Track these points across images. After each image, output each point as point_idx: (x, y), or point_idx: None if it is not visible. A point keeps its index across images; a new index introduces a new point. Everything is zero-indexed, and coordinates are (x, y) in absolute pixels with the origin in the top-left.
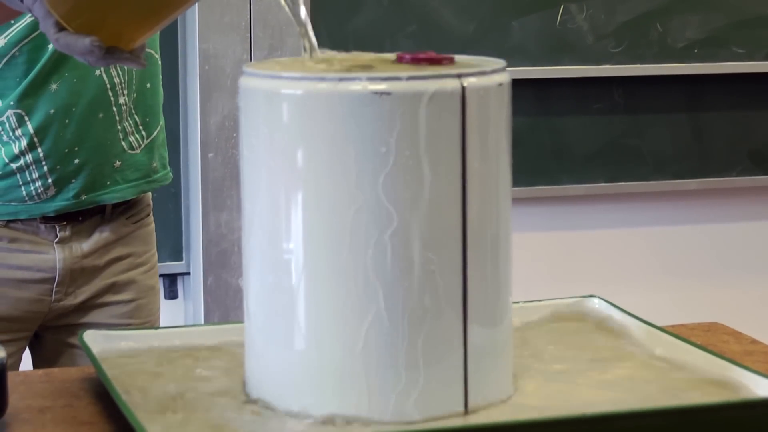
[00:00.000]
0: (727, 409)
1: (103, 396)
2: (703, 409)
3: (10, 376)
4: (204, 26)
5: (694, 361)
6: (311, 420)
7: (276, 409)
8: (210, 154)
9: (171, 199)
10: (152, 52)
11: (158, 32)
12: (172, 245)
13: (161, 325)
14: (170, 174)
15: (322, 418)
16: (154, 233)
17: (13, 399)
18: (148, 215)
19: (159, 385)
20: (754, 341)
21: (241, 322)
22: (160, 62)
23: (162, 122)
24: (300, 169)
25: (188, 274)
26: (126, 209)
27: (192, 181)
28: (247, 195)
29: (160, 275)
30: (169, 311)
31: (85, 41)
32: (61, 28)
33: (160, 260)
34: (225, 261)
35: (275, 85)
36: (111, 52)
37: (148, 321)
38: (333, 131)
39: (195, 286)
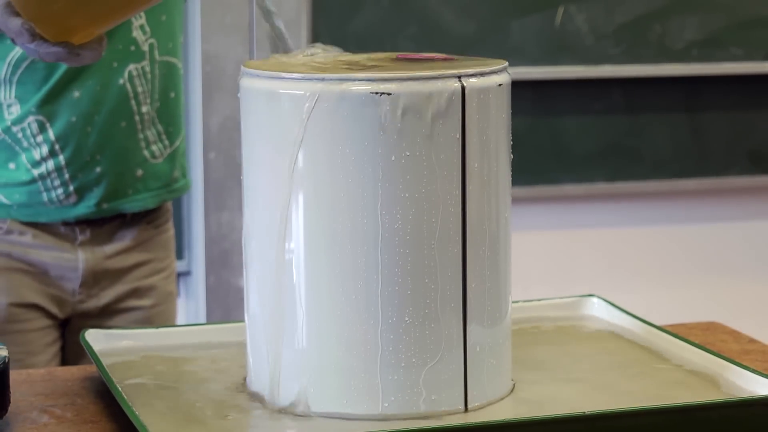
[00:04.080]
0: (726, 408)
1: (105, 394)
2: (702, 408)
3: (13, 374)
4: (206, 27)
5: (693, 360)
6: (312, 417)
7: (277, 407)
8: (211, 155)
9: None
10: (175, 61)
11: (179, 42)
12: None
13: None
14: (189, 182)
15: (322, 415)
16: (174, 240)
17: (16, 398)
18: (168, 221)
19: (161, 383)
20: (752, 340)
21: (243, 321)
22: (182, 72)
23: (183, 131)
24: (300, 169)
25: (190, 273)
26: (146, 214)
27: (194, 181)
28: (248, 195)
29: None
30: None
31: (17, 22)
32: (13, 11)
33: None
34: (226, 260)
35: (275, 85)
36: (50, 42)
37: None
38: (333, 131)
39: (196, 285)
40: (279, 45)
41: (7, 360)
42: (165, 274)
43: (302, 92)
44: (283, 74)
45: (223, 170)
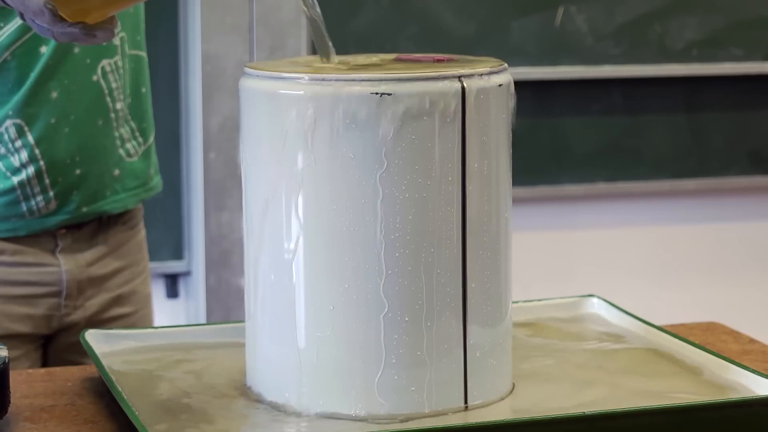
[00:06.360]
0: (726, 408)
1: (104, 395)
2: (702, 408)
3: (12, 375)
4: (205, 27)
5: (693, 360)
6: (312, 417)
7: (277, 406)
8: (211, 155)
9: (172, 198)
10: (143, 54)
11: (144, 35)
12: (174, 245)
13: (163, 324)
14: (161, 181)
15: (322, 415)
16: (146, 240)
17: (15, 398)
18: (141, 221)
19: (161, 383)
20: (752, 340)
21: (242, 321)
22: (148, 65)
23: (154, 128)
24: (300, 169)
25: (190, 273)
26: (122, 215)
27: (193, 181)
28: (248, 195)
29: (162, 275)
30: (170, 311)
31: (38, 1)
32: None
33: (161, 259)
34: (226, 260)
35: (275, 86)
36: (67, 22)
37: None
38: (333, 131)
39: (196, 285)
40: (322, 50)
41: (7, 360)
42: (142, 278)
43: (302, 92)
44: (283, 74)
45: (223, 170)
